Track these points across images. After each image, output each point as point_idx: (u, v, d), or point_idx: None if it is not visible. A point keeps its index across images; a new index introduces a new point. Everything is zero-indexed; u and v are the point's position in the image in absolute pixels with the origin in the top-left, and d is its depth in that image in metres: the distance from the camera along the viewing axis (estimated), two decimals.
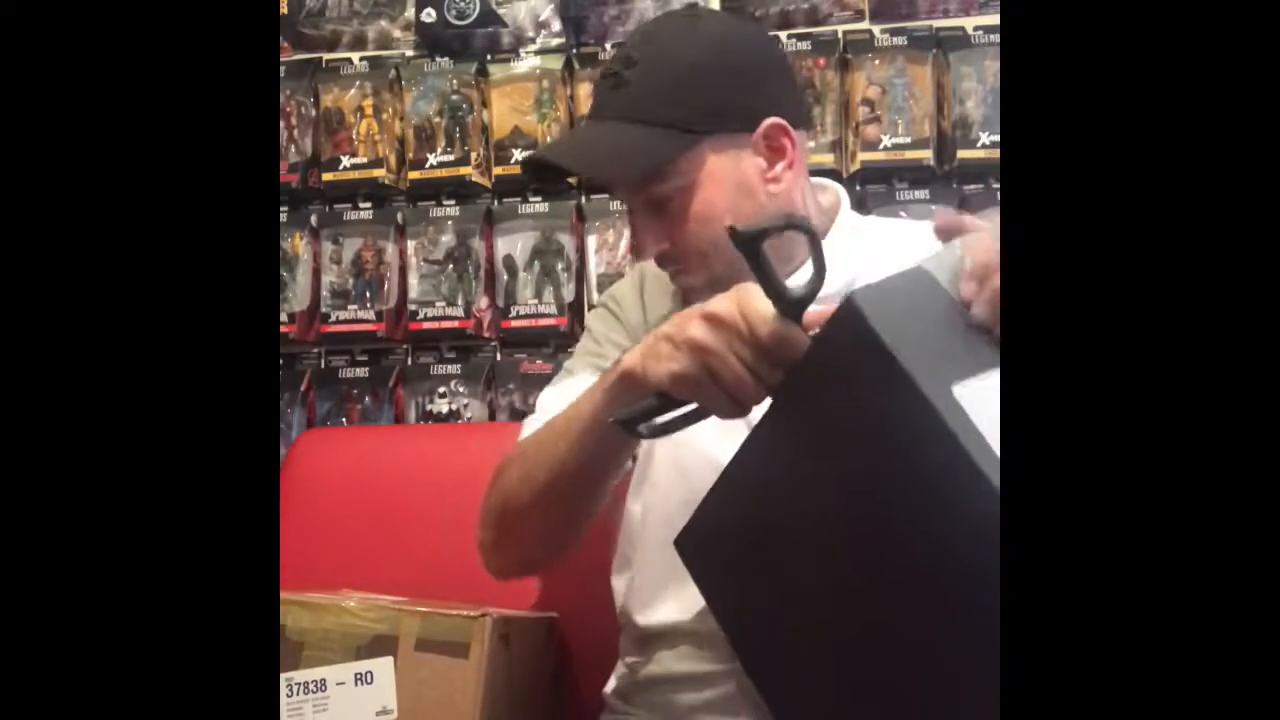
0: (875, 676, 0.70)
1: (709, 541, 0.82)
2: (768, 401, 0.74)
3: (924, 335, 0.63)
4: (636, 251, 0.94)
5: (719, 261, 0.91)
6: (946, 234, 0.70)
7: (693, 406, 0.75)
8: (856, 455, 0.68)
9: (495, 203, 1.61)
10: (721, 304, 0.72)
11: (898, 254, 0.99)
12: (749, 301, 0.71)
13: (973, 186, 1.49)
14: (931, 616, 0.65)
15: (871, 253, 1.00)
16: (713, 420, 0.76)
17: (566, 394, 1.00)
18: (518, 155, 1.57)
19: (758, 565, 0.77)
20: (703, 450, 0.89)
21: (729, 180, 0.94)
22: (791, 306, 0.69)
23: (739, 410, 0.73)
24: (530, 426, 0.99)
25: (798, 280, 0.70)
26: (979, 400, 0.61)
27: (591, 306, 1.48)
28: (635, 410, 0.76)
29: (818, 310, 0.69)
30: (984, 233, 0.67)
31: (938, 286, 0.66)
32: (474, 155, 1.58)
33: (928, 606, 0.65)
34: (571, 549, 0.98)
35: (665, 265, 0.95)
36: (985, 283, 0.64)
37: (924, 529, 0.64)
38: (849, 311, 0.65)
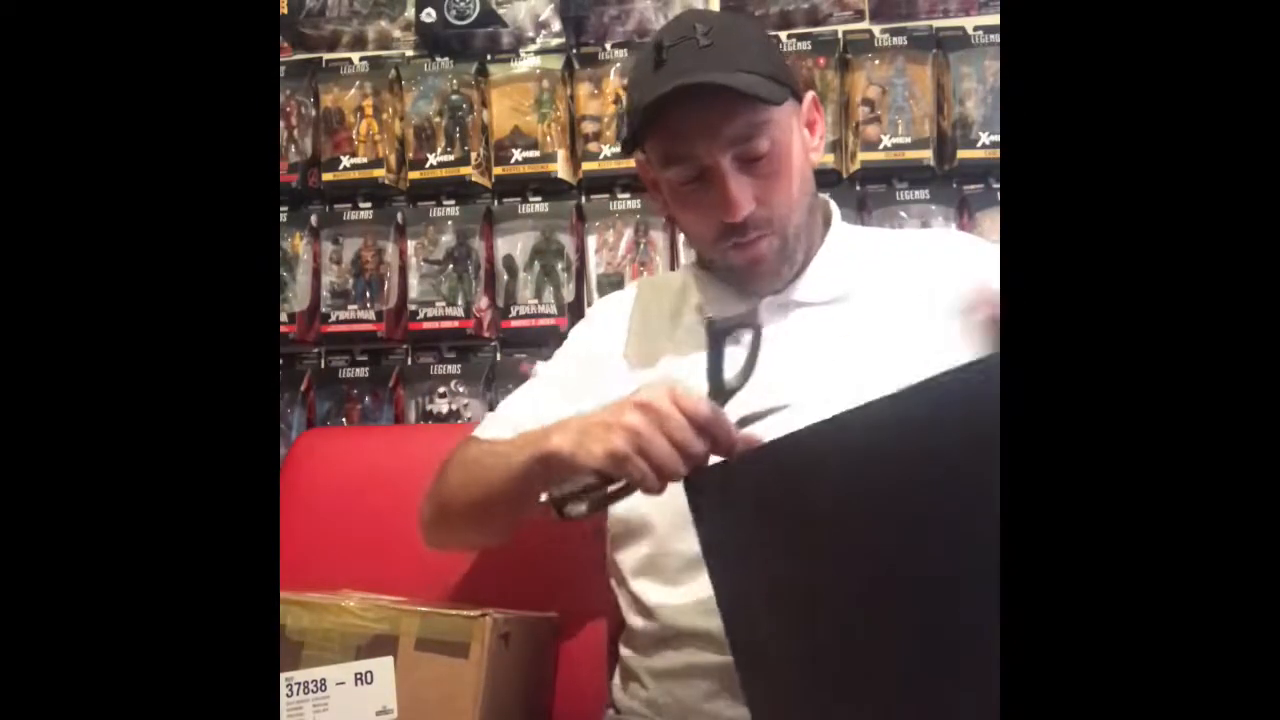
0: (864, 680, 0.73)
1: (721, 493, 0.83)
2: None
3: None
4: (730, 211, 0.93)
5: (794, 221, 0.97)
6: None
7: (619, 485, 0.82)
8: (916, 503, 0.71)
9: (495, 203, 1.61)
10: (652, 394, 0.80)
11: (888, 265, 1.01)
12: (680, 389, 0.80)
13: (973, 186, 1.49)
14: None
15: (864, 264, 1.02)
16: None
17: (526, 404, 1.07)
18: (518, 155, 1.57)
19: (768, 540, 0.79)
20: None
21: (798, 143, 0.98)
22: (722, 393, 0.80)
23: (660, 486, 0.80)
24: (488, 426, 1.06)
25: (733, 369, 0.80)
26: None
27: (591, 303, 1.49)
28: (568, 491, 0.83)
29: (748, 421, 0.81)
30: None
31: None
32: (474, 155, 1.58)
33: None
34: (507, 538, 1.07)
35: (752, 229, 0.95)
36: None
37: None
38: (715, 475, 0.77)
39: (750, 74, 0.92)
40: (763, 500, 0.79)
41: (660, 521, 0.98)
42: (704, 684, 0.94)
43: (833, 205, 1.07)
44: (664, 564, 0.98)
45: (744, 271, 0.99)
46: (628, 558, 1.02)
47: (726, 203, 0.93)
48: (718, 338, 0.79)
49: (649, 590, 0.99)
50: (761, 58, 0.96)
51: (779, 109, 0.94)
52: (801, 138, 0.99)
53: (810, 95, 1.02)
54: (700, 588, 0.95)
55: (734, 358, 0.80)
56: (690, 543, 0.95)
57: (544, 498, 0.85)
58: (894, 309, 0.98)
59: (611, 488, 0.82)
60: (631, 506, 1.01)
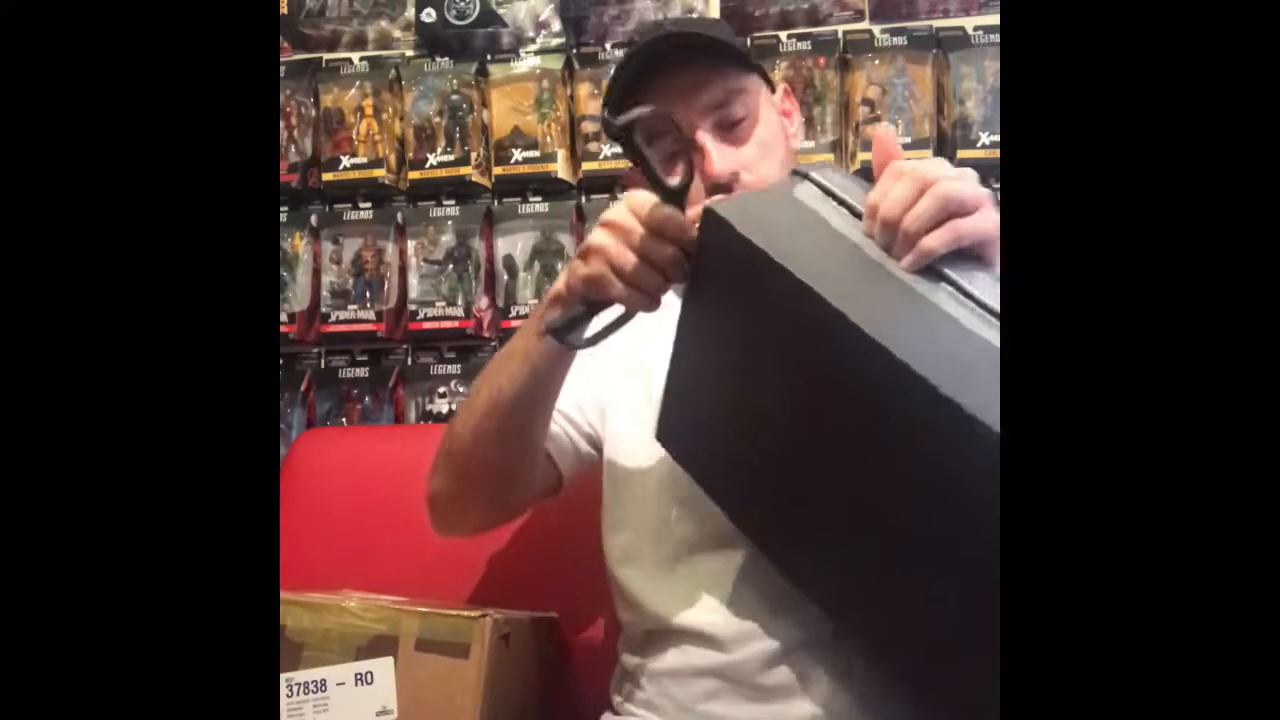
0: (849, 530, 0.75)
1: (680, 427, 0.87)
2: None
3: (782, 232, 0.71)
4: (709, 169, 0.94)
5: None
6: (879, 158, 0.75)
7: (615, 315, 0.82)
8: (760, 333, 0.75)
9: (495, 203, 1.61)
10: (612, 210, 0.81)
11: None
12: (633, 197, 0.80)
13: None
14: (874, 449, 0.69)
15: None
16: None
17: None
18: (518, 155, 1.57)
19: (724, 437, 0.82)
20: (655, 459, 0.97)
21: (776, 121, 1.01)
22: (668, 194, 0.78)
23: (648, 301, 0.80)
24: None
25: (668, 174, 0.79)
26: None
27: None
28: (563, 318, 0.84)
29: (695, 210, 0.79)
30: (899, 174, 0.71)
31: (797, 198, 0.73)
32: (474, 155, 1.58)
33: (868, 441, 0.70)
34: (518, 496, 1.03)
35: (735, 190, 0.95)
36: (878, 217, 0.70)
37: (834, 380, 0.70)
38: (709, 218, 0.74)
39: (719, 45, 0.96)
40: (703, 409, 0.82)
41: (646, 508, 0.98)
42: (701, 684, 0.93)
43: None
44: (644, 552, 0.98)
45: None
46: (613, 545, 1.01)
47: (708, 162, 0.94)
48: (626, 137, 0.77)
49: (633, 580, 0.99)
50: (728, 40, 1.00)
51: (751, 82, 0.98)
52: (779, 120, 1.02)
53: (782, 86, 1.06)
54: (687, 579, 0.95)
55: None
56: (676, 529, 0.95)
57: (542, 327, 0.85)
58: None
59: (605, 321, 0.83)
60: (609, 493, 1.01)
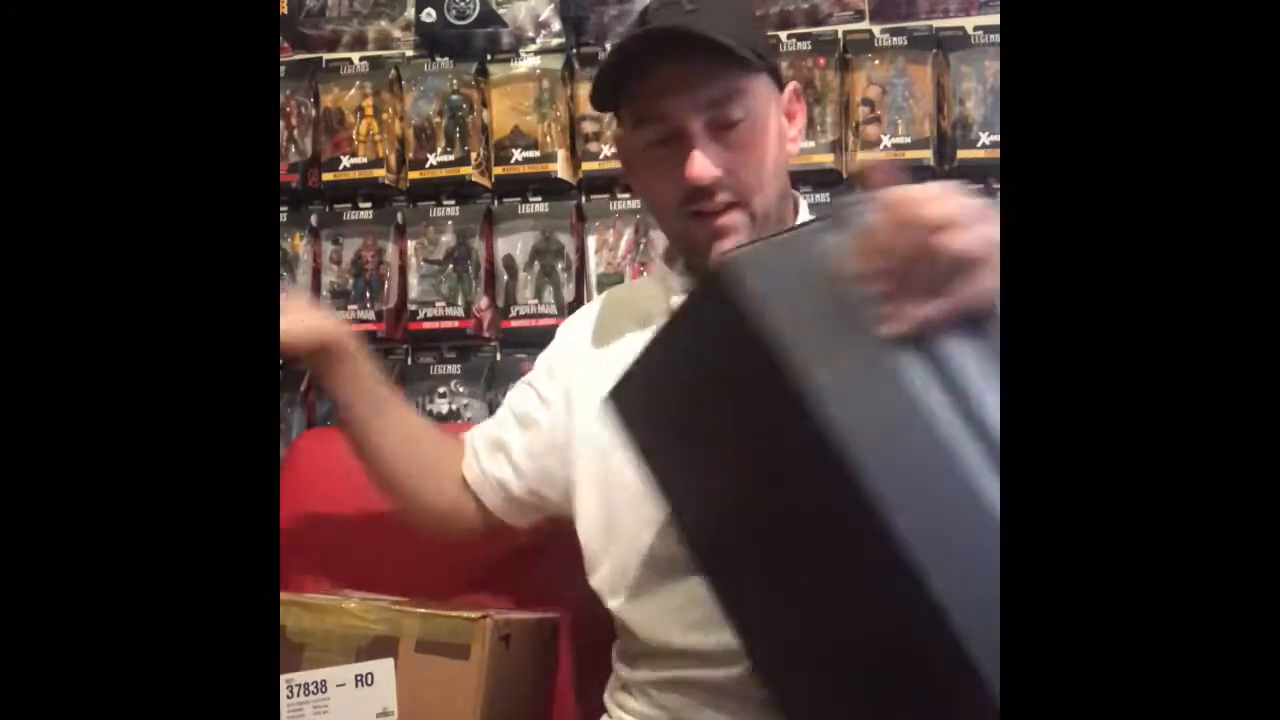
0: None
1: (636, 403, 0.80)
2: None
3: (802, 306, 0.62)
4: (691, 171, 0.92)
5: (764, 201, 0.94)
6: (873, 184, 0.66)
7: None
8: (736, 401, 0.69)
9: (495, 203, 1.61)
10: None
11: None
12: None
13: (973, 186, 1.49)
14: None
15: None
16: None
17: (491, 426, 1.11)
18: (518, 155, 1.57)
19: (677, 437, 0.77)
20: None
21: (774, 124, 0.97)
22: None
23: None
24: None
25: None
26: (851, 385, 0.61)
27: None
28: None
29: None
30: (903, 199, 0.62)
31: (825, 252, 0.63)
32: (474, 155, 1.58)
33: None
34: (425, 515, 1.11)
35: (717, 193, 0.93)
36: (871, 260, 0.62)
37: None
38: (728, 274, 0.63)
39: (729, 38, 0.90)
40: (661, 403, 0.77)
41: (615, 536, 0.98)
42: (689, 697, 0.94)
43: (803, 201, 1.05)
44: (627, 579, 0.98)
45: (708, 250, 0.94)
46: (598, 580, 1.02)
47: (690, 163, 0.91)
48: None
49: (623, 608, 0.99)
50: (745, 32, 0.95)
51: (756, 83, 0.94)
52: (779, 124, 0.98)
53: (791, 85, 1.02)
54: (669, 598, 0.94)
55: None
56: (658, 552, 0.95)
57: None
58: None
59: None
60: (586, 529, 1.01)
